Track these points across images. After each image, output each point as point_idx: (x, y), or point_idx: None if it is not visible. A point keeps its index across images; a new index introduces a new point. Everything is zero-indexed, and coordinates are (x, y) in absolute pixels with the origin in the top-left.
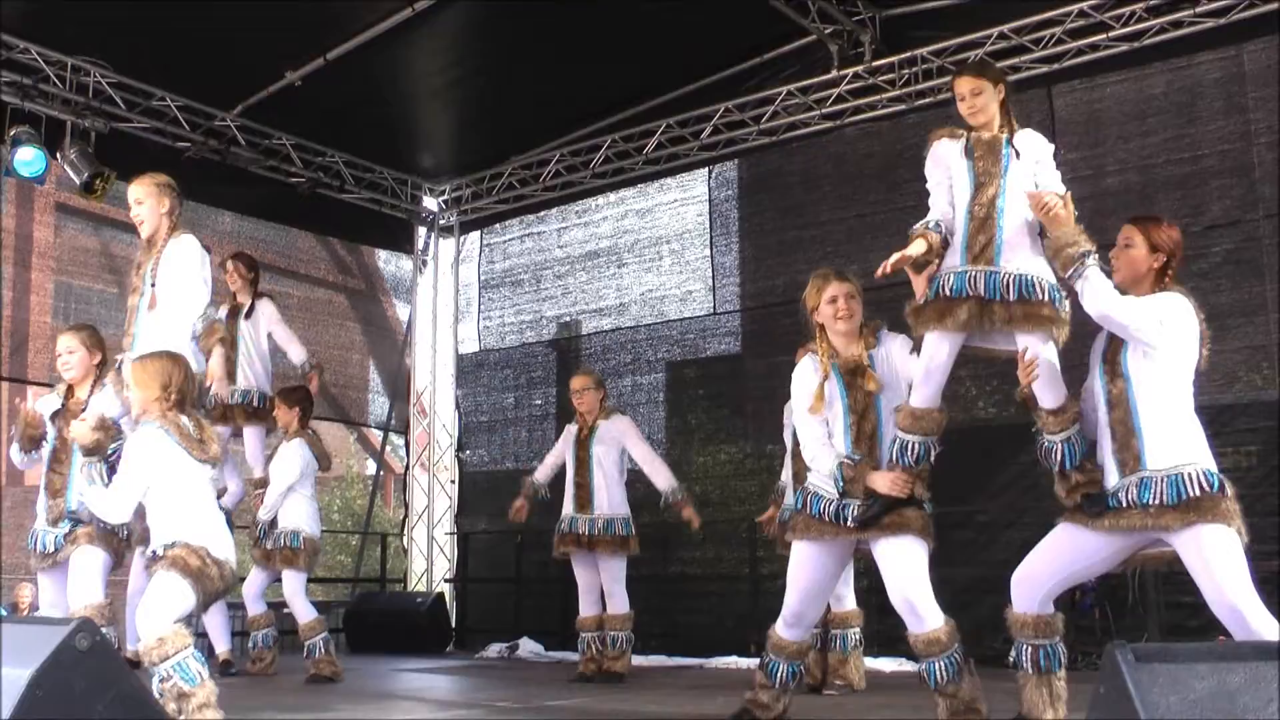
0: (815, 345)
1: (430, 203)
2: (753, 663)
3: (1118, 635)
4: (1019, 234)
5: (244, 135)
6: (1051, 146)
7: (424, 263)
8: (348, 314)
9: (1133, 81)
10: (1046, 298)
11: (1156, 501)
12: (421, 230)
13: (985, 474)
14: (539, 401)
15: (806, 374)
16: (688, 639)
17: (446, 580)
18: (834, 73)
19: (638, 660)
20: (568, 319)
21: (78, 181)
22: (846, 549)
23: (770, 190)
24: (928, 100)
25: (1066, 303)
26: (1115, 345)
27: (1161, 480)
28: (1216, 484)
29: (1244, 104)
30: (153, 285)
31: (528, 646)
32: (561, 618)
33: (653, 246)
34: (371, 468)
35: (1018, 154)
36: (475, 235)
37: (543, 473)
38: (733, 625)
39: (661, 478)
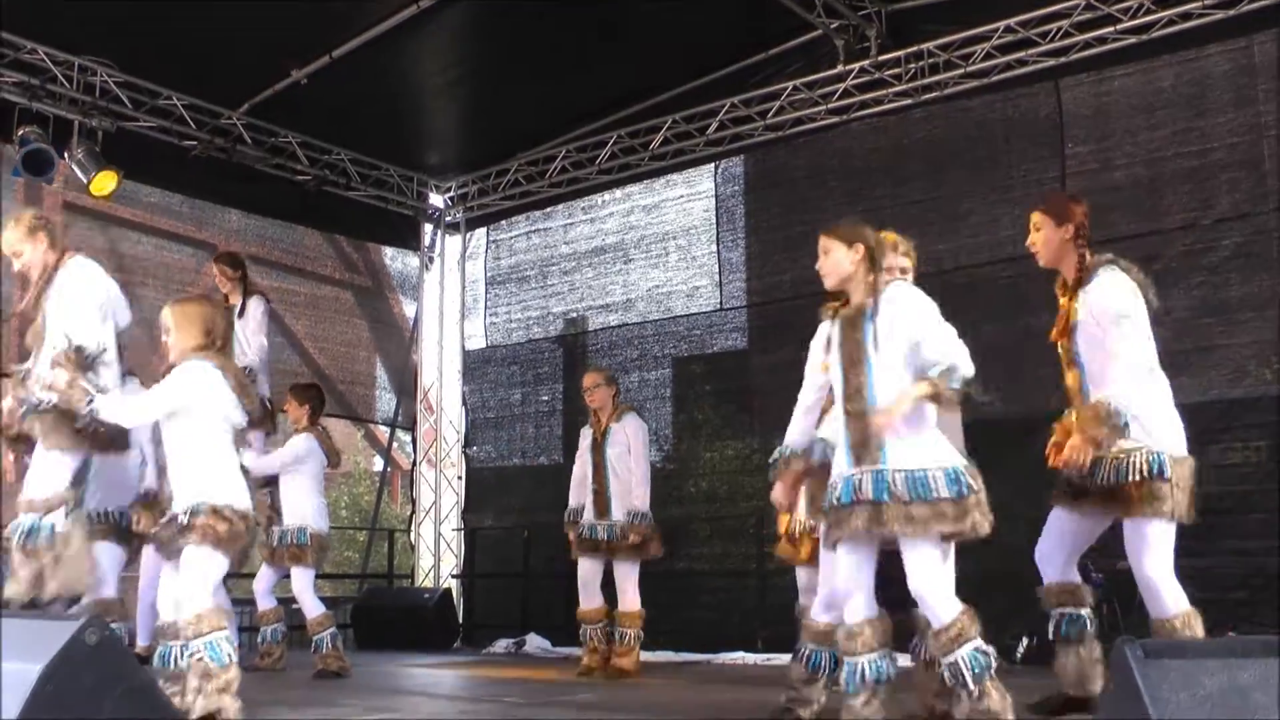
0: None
1: (437, 200)
2: (760, 658)
3: (1126, 631)
4: None
5: (250, 134)
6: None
7: (430, 259)
8: (354, 311)
9: (1141, 74)
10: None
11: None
12: (428, 227)
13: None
14: (546, 398)
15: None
16: (695, 634)
17: (454, 576)
18: (840, 67)
19: (646, 655)
20: (574, 315)
21: (85, 180)
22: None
23: (776, 185)
24: (934, 95)
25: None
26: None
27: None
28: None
29: (1253, 96)
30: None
31: (535, 642)
32: (569, 613)
33: (659, 242)
34: (379, 464)
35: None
36: (482, 232)
37: (575, 498)
38: (740, 621)
39: (634, 497)
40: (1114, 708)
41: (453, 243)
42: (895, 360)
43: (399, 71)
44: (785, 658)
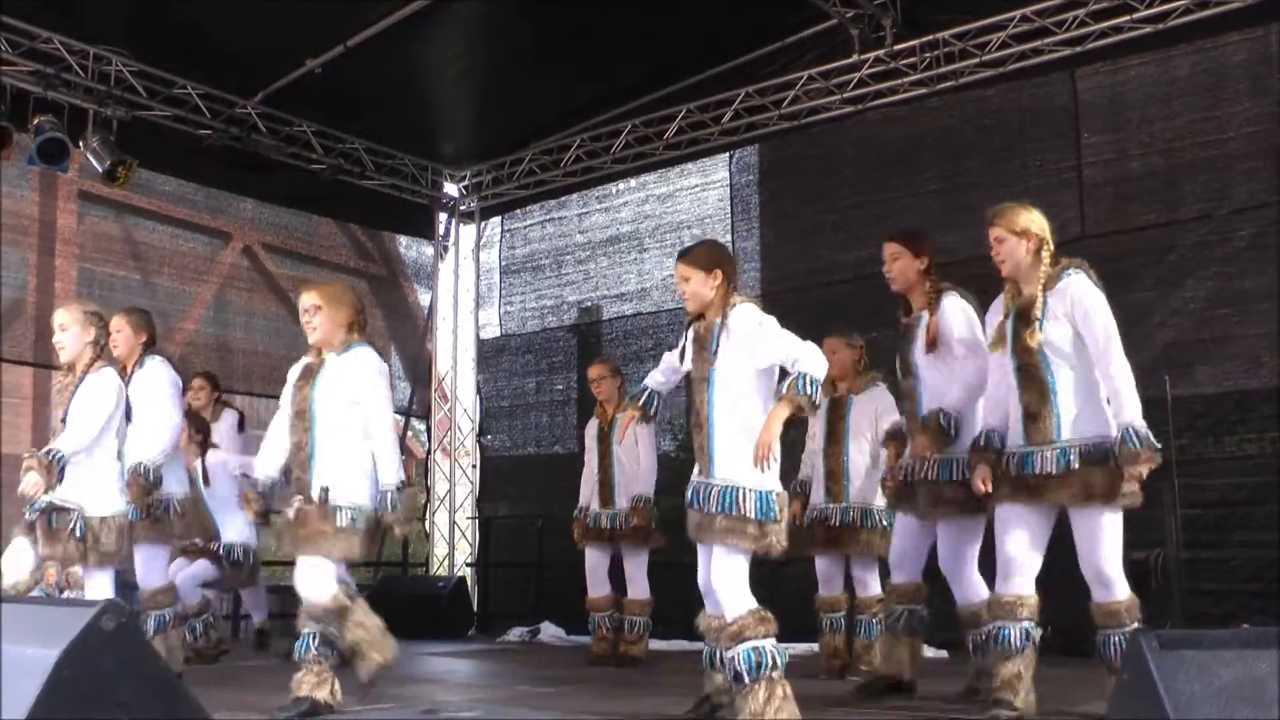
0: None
1: (451, 188)
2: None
3: (1140, 622)
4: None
5: (265, 123)
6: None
7: (445, 248)
8: (369, 300)
9: (1157, 63)
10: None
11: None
12: (442, 216)
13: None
14: (560, 386)
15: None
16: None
17: (468, 565)
18: (855, 57)
19: (659, 645)
20: (589, 304)
21: (100, 169)
22: None
23: (791, 175)
24: (949, 84)
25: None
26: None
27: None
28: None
29: (1271, 85)
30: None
31: (549, 630)
32: (582, 602)
33: (674, 232)
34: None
35: None
36: (496, 221)
37: (585, 493)
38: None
39: (638, 483)
40: (1129, 699)
41: (467, 231)
42: (740, 377)
43: (414, 60)
44: (797, 646)
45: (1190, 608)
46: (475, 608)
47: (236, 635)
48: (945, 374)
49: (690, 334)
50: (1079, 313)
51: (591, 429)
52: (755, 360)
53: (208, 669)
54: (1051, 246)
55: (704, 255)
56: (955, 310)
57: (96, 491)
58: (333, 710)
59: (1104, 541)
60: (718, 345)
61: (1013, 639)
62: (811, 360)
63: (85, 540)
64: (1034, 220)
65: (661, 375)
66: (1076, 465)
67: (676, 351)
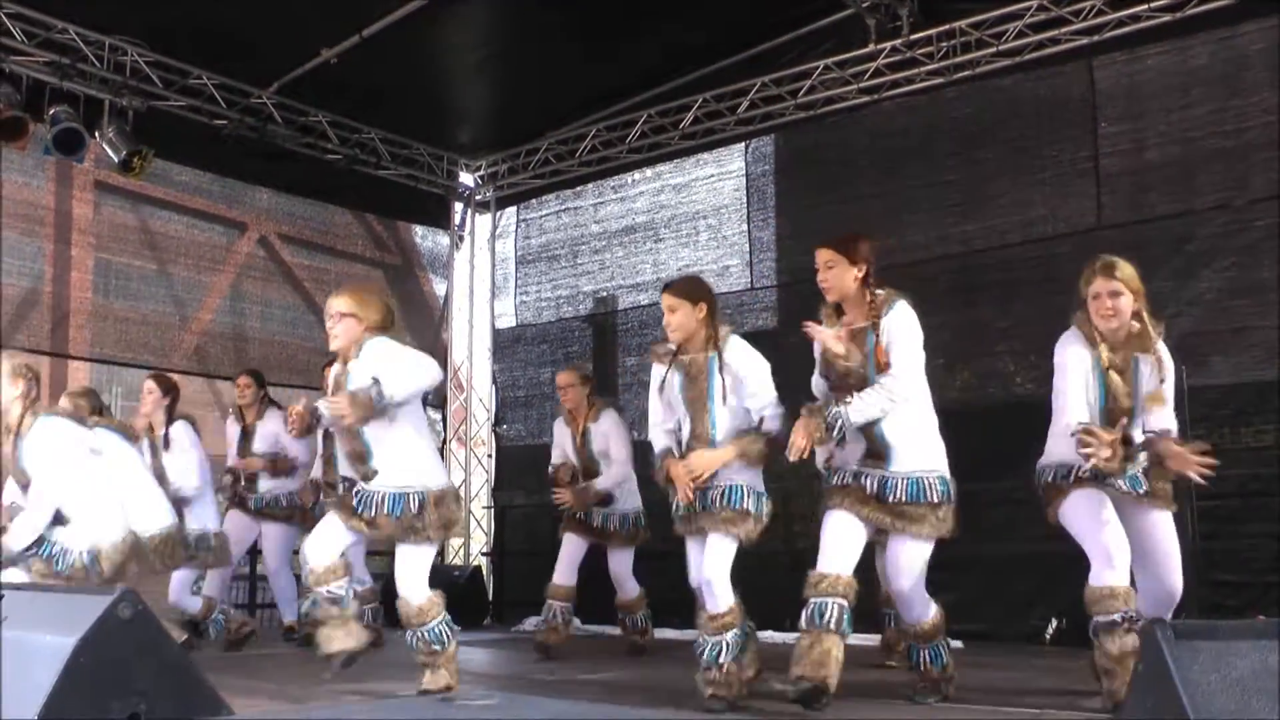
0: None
1: (467, 178)
2: (790, 637)
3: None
4: None
5: (280, 113)
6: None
7: (461, 238)
8: (384, 289)
9: (1175, 53)
10: None
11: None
12: (458, 206)
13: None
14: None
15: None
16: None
17: (484, 554)
18: (871, 46)
19: (675, 635)
20: (604, 294)
21: (116, 160)
22: None
23: (807, 165)
24: (966, 73)
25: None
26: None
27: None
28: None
29: None
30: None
31: None
32: (598, 591)
33: (689, 222)
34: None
35: None
36: (512, 210)
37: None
38: (769, 601)
39: (605, 479)
40: (1145, 689)
41: (483, 221)
42: (738, 408)
43: (429, 50)
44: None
45: (1205, 599)
46: (491, 597)
47: None
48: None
49: (673, 367)
50: None
51: (562, 433)
52: (748, 400)
53: (222, 657)
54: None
55: (690, 287)
56: (909, 316)
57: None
58: (365, 653)
59: None
60: (715, 379)
61: None
62: (776, 418)
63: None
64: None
65: (665, 434)
66: None
67: (658, 392)
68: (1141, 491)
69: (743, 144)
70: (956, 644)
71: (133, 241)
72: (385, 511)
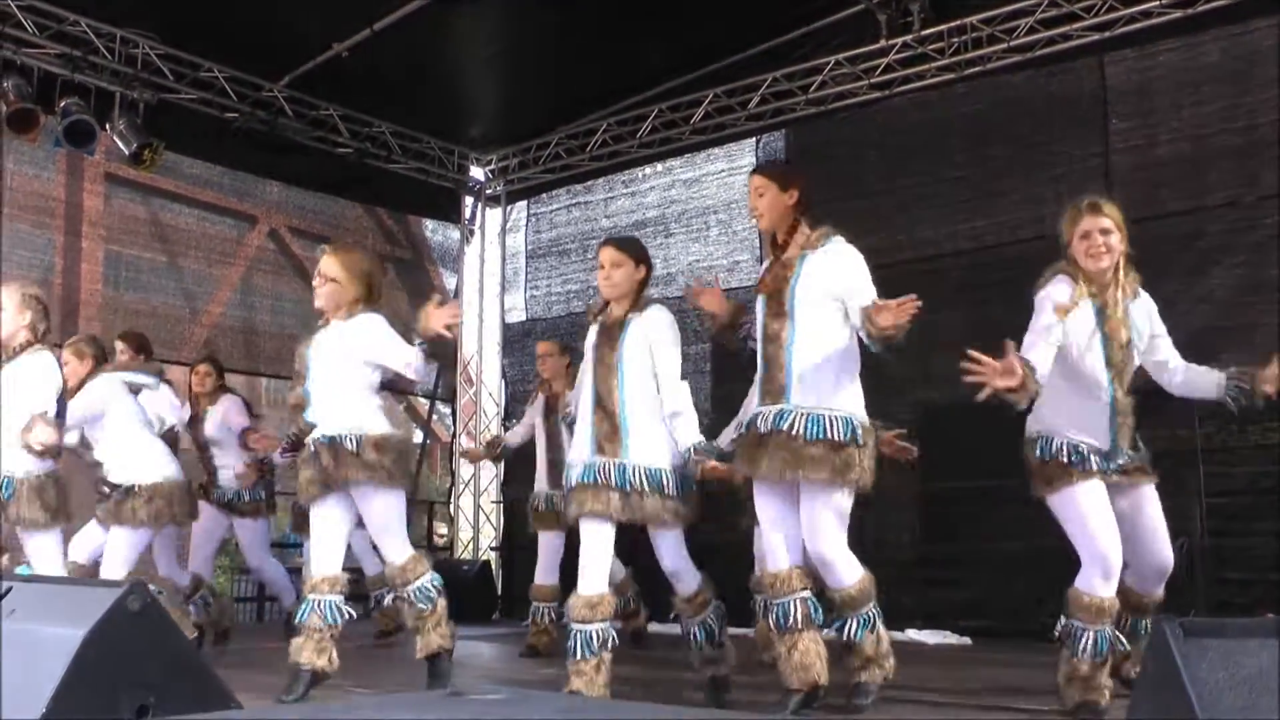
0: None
1: (477, 172)
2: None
3: (1164, 610)
4: None
5: (291, 106)
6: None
7: (471, 232)
8: (394, 283)
9: (1186, 49)
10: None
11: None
12: (468, 200)
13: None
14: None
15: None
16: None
17: (492, 548)
18: (883, 42)
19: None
20: None
21: (126, 152)
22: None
23: (818, 160)
24: (977, 70)
25: None
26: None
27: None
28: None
29: None
30: None
31: None
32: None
33: (700, 217)
34: (418, 436)
35: None
36: (522, 205)
37: (514, 438)
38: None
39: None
40: (1152, 686)
41: (493, 215)
42: (643, 370)
43: (440, 44)
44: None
45: (1214, 596)
46: (499, 591)
47: (261, 619)
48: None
49: (596, 328)
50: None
51: (537, 408)
52: (656, 364)
53: (230, 650)
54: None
55: (638, 247)
56: (851, 255)
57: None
58: (328, 678)
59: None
60: (626, 336)
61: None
62: (689, 420)
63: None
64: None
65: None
66: None
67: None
68: (1133, 467)
69: (753, 139)
70: (965, 641)
71: (143, 234)
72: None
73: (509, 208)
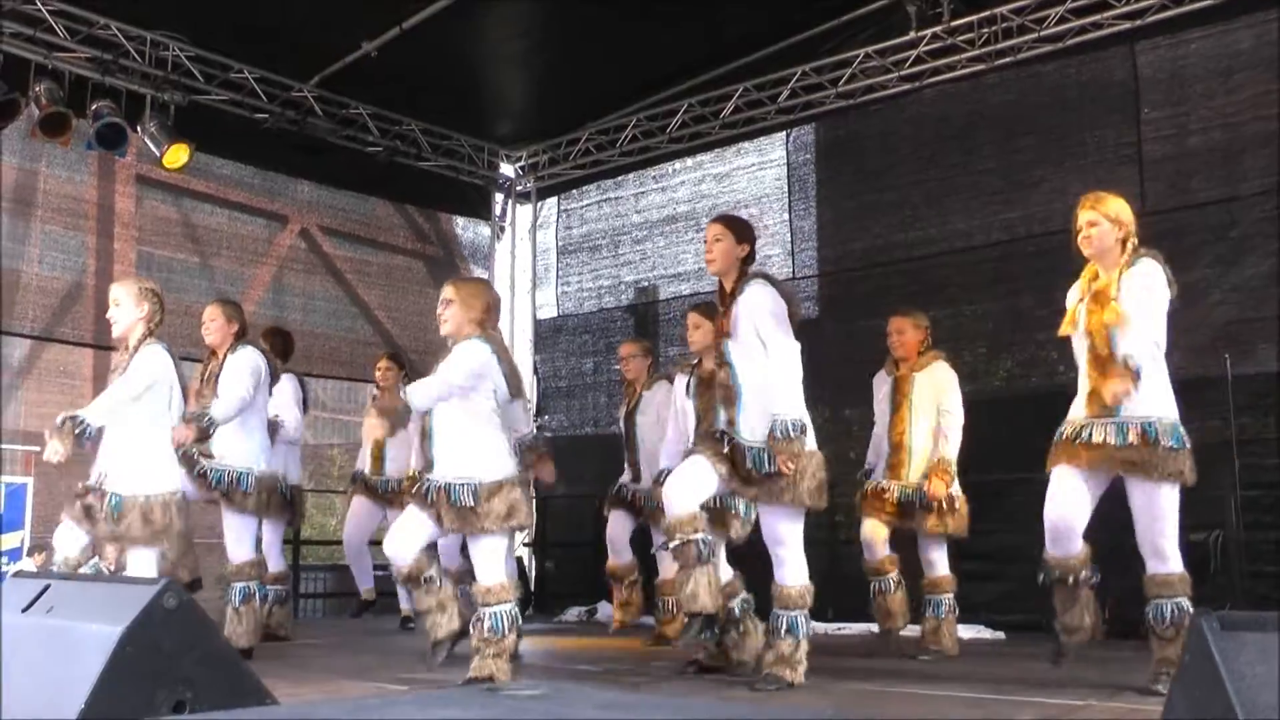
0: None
1: (507, 169)
2: (831, 627)
3: (1200, 604)
4: None
5: (321, 105)
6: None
7: (501, 229)
8: (426, 281)
9: (1218, 36)
10: None
11: None
12: (499, 197)
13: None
14: (617, 366)
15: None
16: (763, 603)
17: (525, 544)
18: (912, 34)
19: None
20: (645, 284)
21: (157, 154)
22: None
23: (848, 154)
24: (1007, 60)
25: None
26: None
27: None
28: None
29: None
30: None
31: (606, 610)
32: (641, 581)
33: (730, 211)
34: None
35: None
36: (553, 201)
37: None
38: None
39: (662, 459)
40: (1190, 680)
41: (524, 212)
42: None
43: (469, 41)
44: (856, 627)
45: (1250, 590)
46: (533, 587)
47: (296, 615)
48: (756, 353)
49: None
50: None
51: (621, 408)
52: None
53: (263, 648)
54: (1135, 238)
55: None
56: (765, 292)
57: (136, 470)
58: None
59: (1163, 515)
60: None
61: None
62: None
63: (120, 520)
64: (1124, 209)
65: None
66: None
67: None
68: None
69: (784, 133)
70: (999, 635)
71: (175, 235)
72: (447, 500)
73: (539, 204)
